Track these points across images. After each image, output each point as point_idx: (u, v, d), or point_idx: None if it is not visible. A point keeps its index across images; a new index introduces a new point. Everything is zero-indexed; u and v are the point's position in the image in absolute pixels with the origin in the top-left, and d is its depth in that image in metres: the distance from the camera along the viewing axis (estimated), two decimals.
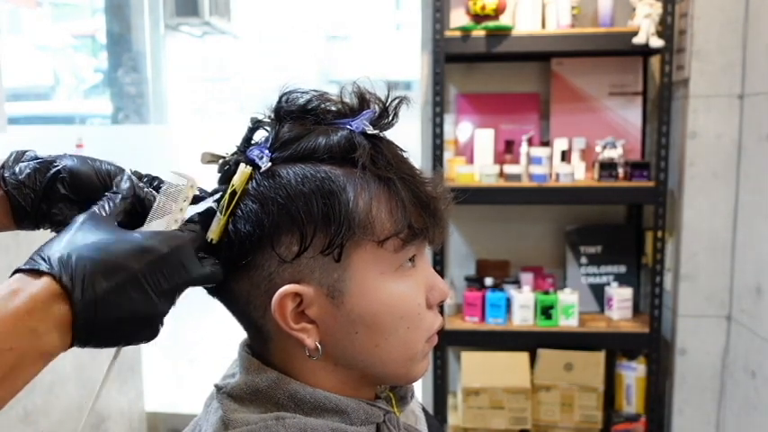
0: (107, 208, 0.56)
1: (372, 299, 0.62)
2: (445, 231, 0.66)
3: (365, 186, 0.61)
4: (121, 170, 0.61)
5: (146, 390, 2.72)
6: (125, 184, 0.58)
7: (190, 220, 0.61)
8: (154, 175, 0.65)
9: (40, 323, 0.49)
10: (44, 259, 0.51)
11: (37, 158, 0.59)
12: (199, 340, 3.97)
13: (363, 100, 0.64)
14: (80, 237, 0.52)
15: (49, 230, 0.60)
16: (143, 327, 0.54)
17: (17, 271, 0.51)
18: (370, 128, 0.63)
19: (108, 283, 0.51)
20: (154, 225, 0.58)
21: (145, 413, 2.71)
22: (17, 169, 0.58)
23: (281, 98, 0.65)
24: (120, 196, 0.57)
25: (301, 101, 0.64)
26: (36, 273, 0.50)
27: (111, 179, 0.60)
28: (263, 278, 0.62)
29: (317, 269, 0.61)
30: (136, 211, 0.61)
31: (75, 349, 0.53)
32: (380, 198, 0.61)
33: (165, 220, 0.58)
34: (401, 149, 0.66)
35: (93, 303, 0.50)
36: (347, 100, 0.65)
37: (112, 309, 0.51)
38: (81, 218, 0.55)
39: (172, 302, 0.55)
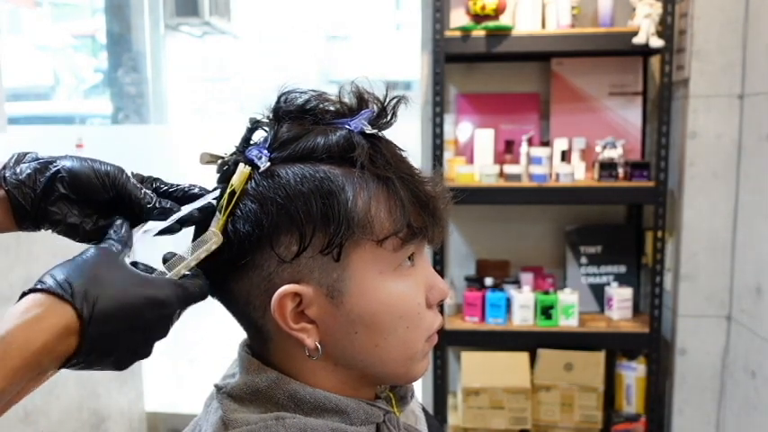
0: (118, 246, 0.58)
1: (372, 298, 0.62)
2: (444, 230, 0.66)
3: (364, 186, 0.61)
4: (121, 170, 0.61)
5: (146, 390, 2.72)
6: (123, 231, 0.59)
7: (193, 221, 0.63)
8: (155, 176, 0.66)
9: (46, 357, 0.50)
10: (70, 285, 0.51)
11: (37, 159, 0.60)
12: (199, 340, 3.97)
13: (362, 100, 0.64)
14: (103, 272, 0.54)
15: (50, 231, 0.61)
16: (126, 363, 0.56)
17: (36, 290, 0.51)
18: (369, 127, 0.63)
19: (121, 326, 0.53)
20: (176, 263, 0.60)
21: (145, 413, 2.71)
22: (18, 170, 0.59)
23: (279, 98, 0.65)
24: (125, 238, 0.59)
25: (300, 101, 0.64)
26: (60, 299, 0.51)
27: (109, 179, 0.60)
28: (263, 278, 0.62)
29: (316, 269, 0.61)
30: (134, 213, 0.61)
31: None
32: (379, 197, 0.61)
33: (183, 264, 0.60)
34: (400, 149, 0.66)
35: (101, 342, 0.52)
36: (346, 100, 0.65)
37: (114, 349, 0.54)
38: (93, 251, 0.56)
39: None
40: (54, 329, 0.50)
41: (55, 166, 0.59)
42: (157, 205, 0.61)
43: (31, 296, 0.51)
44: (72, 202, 0.60)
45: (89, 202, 0.60)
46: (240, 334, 0.70)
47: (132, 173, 0.63)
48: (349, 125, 0.63)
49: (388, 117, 0.65)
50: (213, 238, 0.61)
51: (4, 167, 0.59)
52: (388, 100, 0.65)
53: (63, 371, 0.55)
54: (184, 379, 3.44)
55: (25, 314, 0.50)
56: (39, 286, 0.51)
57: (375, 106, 0.64)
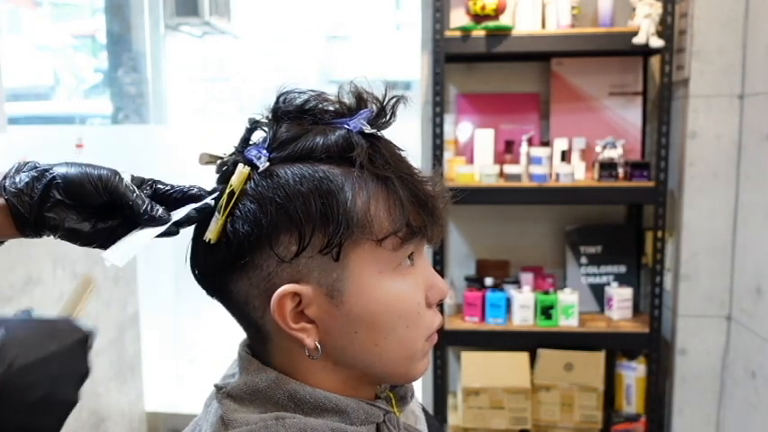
0: None
1: (371, 298, 0.62)
2: (444, 230, 0.66)
3: (363, 185, 0.61)
4: (115, 173, 0.61)
5: (146, 390, 2.72)
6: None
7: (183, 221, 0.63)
8: (155, 178, 0.66)
9: None
10: None
11: (35, 167, 0.61)
12: (199, 340, 3.97)
13: (361, 99, 0.64)
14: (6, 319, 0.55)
15: (51, 237, 0.62)
16: (52, 414, 0.56)
17: None
18: (368, 127, 0.63)
19: (29, 358, 0.54)
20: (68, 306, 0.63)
21: (145, 413, 2.71)
22: (17, 179, 0.60)
23: (278, 98, 0.65)
24: None
25: (299, 101, 0.64)
26: None
27: (102, 183, 0.61)
28: (262, 278, 0.62)
29: (315, 269, 0.61)
30: (126, 215, 0.62)
31: None
32: (378, 197, 0.61)
33: (75, 307, 0.63)
34: (399, 148, 0.66)
35: (11, 376, 0.52)
36: (345, 100, 0.65)
37: (28, 387, 0.53)
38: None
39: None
40: None
41: (50, 174, 0.60)
42: (149, 210, 0.62)
43: None
44: (69, 207, 0.61)
45: (85, 206, 0.61)
46: (240, 334, 0.70)
47: (132, 175, 0.63)
48: (348, 125, 0.63)
49: (387, 117, 0.65)
50: (89, 285, 0.64)
51: (5, 177, 0.61)
52: (387, 100, 0.65)
53: None
54: (184, 379, 3.43)
55: None
56: None
57: (374, 106, 0.64)
